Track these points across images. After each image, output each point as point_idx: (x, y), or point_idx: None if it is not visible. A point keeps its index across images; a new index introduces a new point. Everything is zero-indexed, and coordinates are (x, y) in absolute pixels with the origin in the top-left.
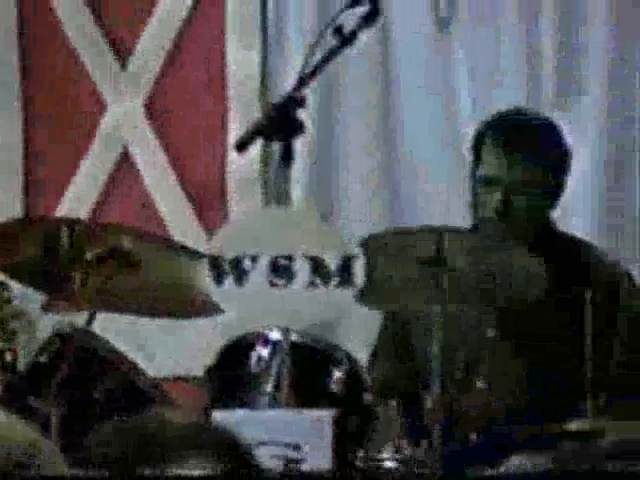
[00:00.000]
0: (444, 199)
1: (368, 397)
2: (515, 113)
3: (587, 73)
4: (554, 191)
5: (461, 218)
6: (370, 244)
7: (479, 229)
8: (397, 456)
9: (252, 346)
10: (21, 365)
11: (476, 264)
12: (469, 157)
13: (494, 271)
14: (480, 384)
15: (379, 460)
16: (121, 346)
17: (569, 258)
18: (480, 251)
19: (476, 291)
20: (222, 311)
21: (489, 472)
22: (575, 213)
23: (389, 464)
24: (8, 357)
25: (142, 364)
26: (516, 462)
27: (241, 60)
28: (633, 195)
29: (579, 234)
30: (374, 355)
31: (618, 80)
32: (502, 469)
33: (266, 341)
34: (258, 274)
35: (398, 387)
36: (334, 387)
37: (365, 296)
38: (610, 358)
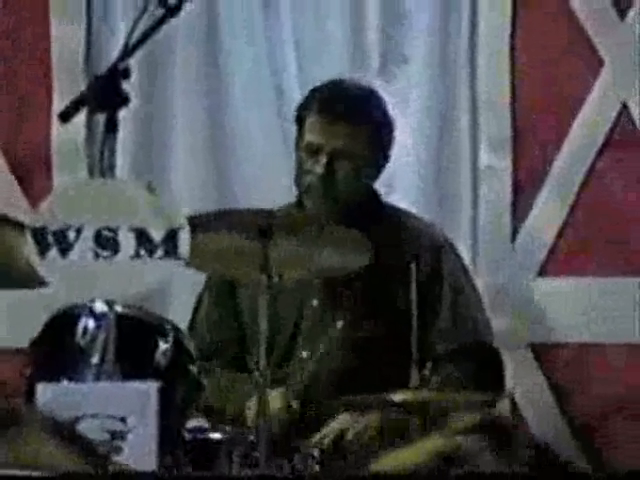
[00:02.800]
0: (272, 172)
1: (194, 368)
2: (339, 83)
3: (411, 42)
4: (377, 162)
5: (287, 191)
6: (197, 219)
7: (303, 199)
8: (224, 427)
9: (77, 318)
10: None
11: (300, 237)
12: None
13: (317, 243)
14: (304, 353)
15: (205, 431)
16: None
17: (393, 227)
18: (305, 225)
19: (300, 262)
20: (47, 283)
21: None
22: (399, 185)
23: (215, 435)
24: None
25: None
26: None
27: (66, 31)
28: (455, 167)
29: (404, 205)
30: (194, 319)
31: (441, 49)
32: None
33: (91, 313)
34: (82, 246)
35: (223, 351)
36: (160, 359)
37: (192, 263)
38: (434, 327)
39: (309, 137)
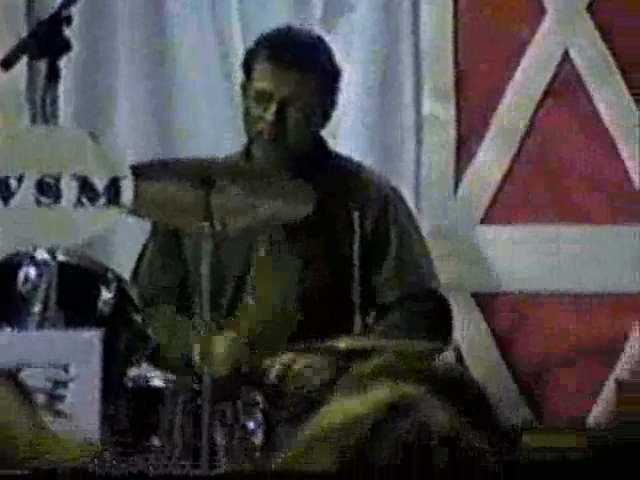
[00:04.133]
0: (215, 123)
1: (138, 317)
2: (287, 30)
3: None
4: (325, 109)
5: (231, 142)
6: (140, 168)
7: (252, 146)
8: (167, 375)
9: (19, 266)
10: None
11: (244, 186)
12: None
13: (261, 192)
14: (250, 300)
15: (147, 379)
16: None
17: (339, 176)
18: (250, 174)
19: (243, 211)
20: None
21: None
22: (342, 132)
23: (157, 383)
24: None
25: None
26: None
27: None
28: (399, 115)
29: (348, 154)
30: (137, 266)
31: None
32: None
33: (33, 261)
34: (24, 193)
35: (167, 297)
36: (103, 307)
37: (136, 211)
38: (380, 275)
39: (259, 84)
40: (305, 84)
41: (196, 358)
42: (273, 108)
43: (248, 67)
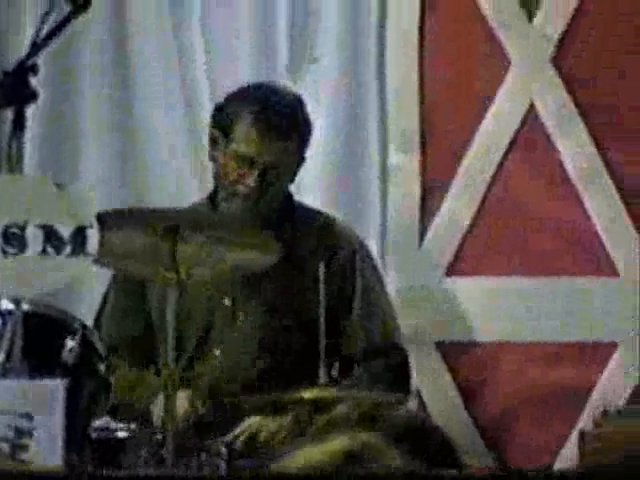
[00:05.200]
0: (179, 172)
1: (102, 367)
2: (270, 93)
3: (320, 41)
4: (298, 165)
5: (195, 190)
6: (107, 217)
7: (217, 198)
8: (131, 426)
9: None
10: None
11: (209, 236)
12: (210, 129)
13: (226, 242)
14: (216, 351)
15: (112, 430)
16: None
17: (306, 228)
18: (216, 224)
19: (208, 260)
20: None
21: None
22: (308, 183)
23: (122, 434)
24: None
25: None
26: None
27: None
28: (364, 165)
29: (313, 204)
30: (100, 314)
31: (350, 48)
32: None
33: None
34: None
35: (129, 346)
36: (67, 356)
37: (101, 260)
38: (345, 327)
39: (241, 148)
40: (288, 151)
41: (157, 411)
42: (256, 173)
43: (226, 125)
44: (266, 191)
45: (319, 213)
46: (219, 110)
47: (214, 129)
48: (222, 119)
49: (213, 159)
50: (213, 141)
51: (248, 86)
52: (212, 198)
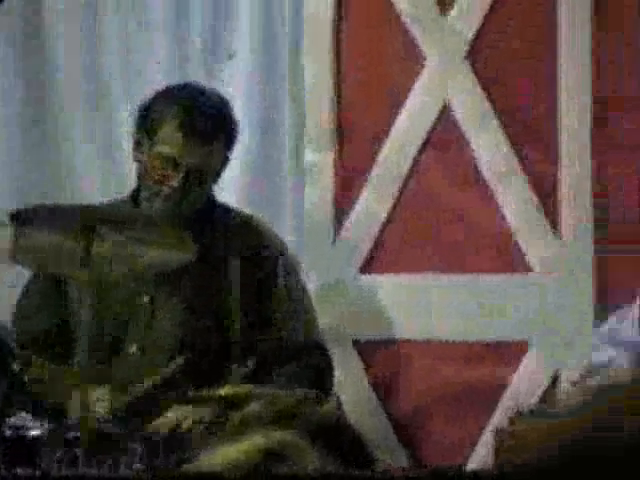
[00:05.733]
0: (94, 170)
1: (15, 365)
2: (196, 95)
3: (236, 38)
4: (223, 166)
5: (111, 188)
6: (20, 214)
7: (145, 200)
8: (45, 424)
9: None
10: None
11: (125, 234)
12: (134, 130)
13: (142, 240)
14: (133, 348)
15: (26, 428)
16: None
17: (224, 227)
18: (134, 222)
19: (124, 258)
20: None
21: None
22: (225, 180)
23: (36, 432)
24: None
25: None
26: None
27: None
28: (279, 163)
29: (229, 202)
30: (18, 308)
31: (265, 45)
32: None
33: None
34: None
35: (46, 341)
36: None
37: (17, 259)
38: (264, 325)
39: (166, 150)
40: (213, 153)
41: (74, 407)
42: (179, 175)
43: (151, 126)
44: (189, 192)
45: (241, 214)
46: (144, 111)
47: (138, 130)
48: (146, 120)
49: (137, 159)
50: (137, 142)
51: (173, 87)
52: (134, 197)
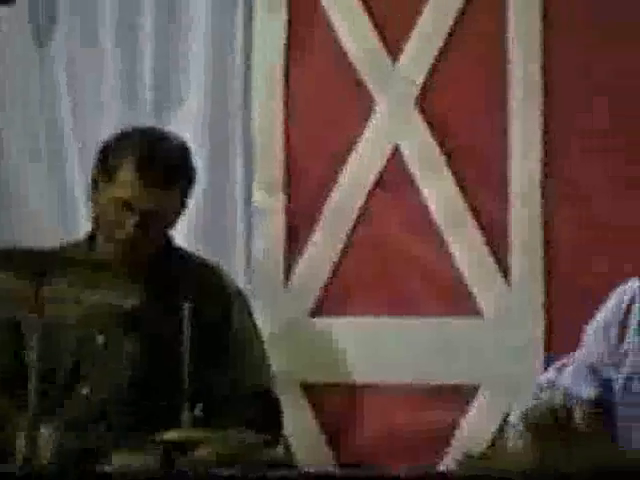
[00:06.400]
0: (44, 214)
1: None
2: (154, 138)
3: (186, 85)
4: (180, 212)
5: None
6: None
7: (101, 242)
8: None
9: None
10: None
11: (77, 279)
12: (92, 172)
13: (92, 284)
14: (84, 390)
15: None
16: None
17: (179, 270)
18: (85, 266)
19: (74, 301)
20: None
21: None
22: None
23: None
24: None
25: None
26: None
27: None
28: (230, 208)
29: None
30: None
31: (215, 92)
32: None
33: None
34: None
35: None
36: None
37: None
38: (215, 369)
39: (122, 193)
40: (170, 199)
41: (21, 448)
42: (136, 219)
43: (109, 169)
44: (144, 237)
45: (198, 257)
46: (102, 153)
47: (96, 172)
48: (105, 163)
49: (94, 201)
50: (95, 183)
51: (135, 129)
52: (90, 239)
